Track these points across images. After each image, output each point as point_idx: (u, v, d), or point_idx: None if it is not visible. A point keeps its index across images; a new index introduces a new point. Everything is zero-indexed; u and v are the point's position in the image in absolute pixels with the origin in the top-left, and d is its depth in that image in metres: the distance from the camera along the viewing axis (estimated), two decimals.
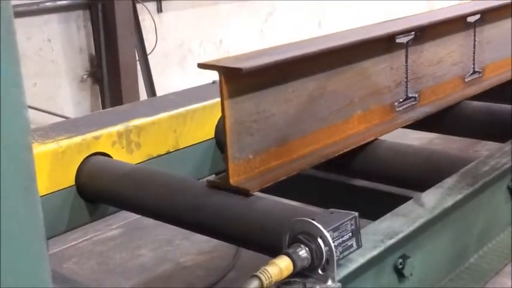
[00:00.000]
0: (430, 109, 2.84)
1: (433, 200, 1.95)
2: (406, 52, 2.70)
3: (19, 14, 5.04)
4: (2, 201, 0.91)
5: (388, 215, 1.86)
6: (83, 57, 5.69)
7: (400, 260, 1.76)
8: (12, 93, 0.91)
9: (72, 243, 3.78)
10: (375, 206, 2.23)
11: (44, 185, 2.26)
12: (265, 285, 1.39)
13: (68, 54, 5.58)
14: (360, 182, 2.72)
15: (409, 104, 2.78)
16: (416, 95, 2.81)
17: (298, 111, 2.26)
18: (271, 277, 1.41)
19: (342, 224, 1.53)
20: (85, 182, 2.36)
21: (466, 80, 3.13)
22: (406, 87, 2.75)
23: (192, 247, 3.69)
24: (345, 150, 2.41)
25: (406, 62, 2.71)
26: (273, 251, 1.55)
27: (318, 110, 2.35)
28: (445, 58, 2.96)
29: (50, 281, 1.01)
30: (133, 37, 5.73)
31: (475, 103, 3.01)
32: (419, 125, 2.86)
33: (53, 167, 2.29)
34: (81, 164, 2.37)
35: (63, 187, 2.34)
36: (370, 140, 2.53)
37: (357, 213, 1.58)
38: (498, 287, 2.82)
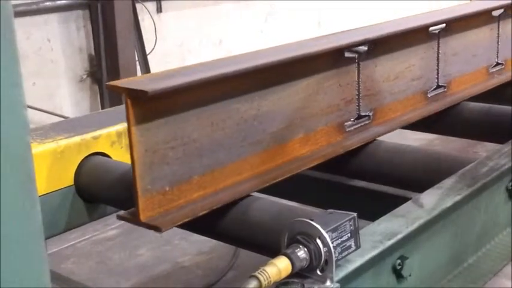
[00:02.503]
0: (387, 128, 2.63)
1: (432, 200, 1.95)
2: (358, 67, 2.49)
3: (19, 14, 5.04)
4: (1, 201, 0.91)
5: (387, 215, 1.86)
6: (82, 57, 5.69)
7: (399, 261, 1.76)
8: (12, 93, 0.91)
9: (71, 243, 3.78)
10: (374, 207, 2.23)
11: (43, 184, 2.26)
12: (263, 286, 1.39)
13: (68, 54, 5.58)
14: (358, 182, 2.71)
15: (362, 124, 2.56)
16: (370, 114, 2.59)
17: (226, 135, 2.02)
18: (270, 277, 1.41)
19: (340, 224, 1.53)
20: (84, 182, 2.36)
21: (429, 95, 2.92)
22: (358, 105, 2.53)
23: (191, 247, 3.69)
24: (283, 177, 2.17)
25: (358, 77, 2.49)
26: (272, 252, 1.55)
27: (250, 133, 2.11)
28: (403, 72, 2.74)
29: (48, 280, 1.01)
30: (133, 37, 5.73)
31: (474, 104, 3.01)
32: (418, 125, 2.86)
33: (52, 166, 2.29)
34: (80, 163, 2.37)
35: (62, 187, 2.34)
36: (314, 164, 2.31)
37: (355, 214, 1.58)
38: (497, 287, 2.82)
